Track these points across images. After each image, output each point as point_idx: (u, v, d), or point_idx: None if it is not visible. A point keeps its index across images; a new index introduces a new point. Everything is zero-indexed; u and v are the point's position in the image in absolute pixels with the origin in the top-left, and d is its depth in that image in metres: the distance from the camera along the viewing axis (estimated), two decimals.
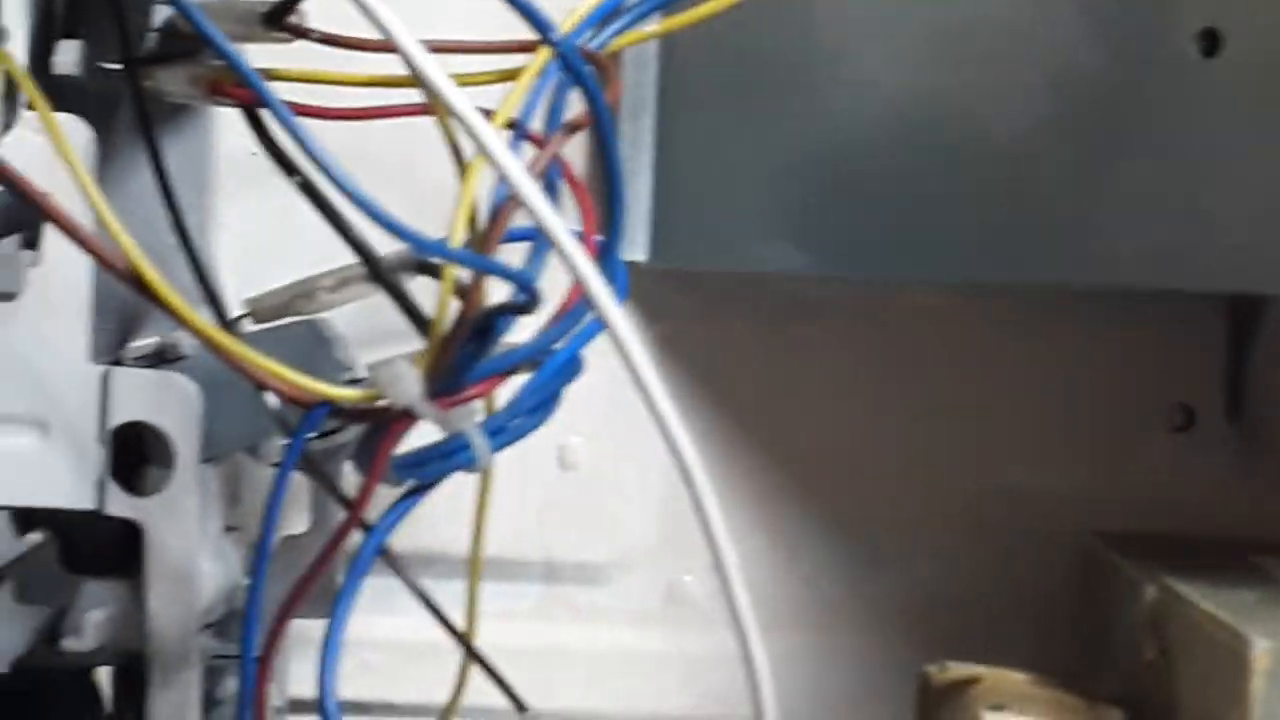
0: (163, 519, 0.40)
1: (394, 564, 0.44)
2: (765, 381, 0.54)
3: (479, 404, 0.38)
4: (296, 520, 0.50)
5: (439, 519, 0.47)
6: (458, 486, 0.45)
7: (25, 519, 0.42)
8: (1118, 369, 0.54)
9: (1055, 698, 0.43)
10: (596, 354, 0.47)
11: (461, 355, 0.34)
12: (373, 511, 0.38)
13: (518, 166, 0.32)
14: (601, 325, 0.36)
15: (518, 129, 0.37)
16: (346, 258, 0.39)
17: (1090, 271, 0.45)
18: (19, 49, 0.38)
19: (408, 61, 0.32)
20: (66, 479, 0.40)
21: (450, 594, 0.48)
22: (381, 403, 0.34)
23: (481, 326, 0.35)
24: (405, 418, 0.34)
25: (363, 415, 0.35)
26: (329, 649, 0.37)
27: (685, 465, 0.34)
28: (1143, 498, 0.53)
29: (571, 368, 0.39)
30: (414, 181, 0.44)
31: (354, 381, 0.42)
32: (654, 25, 0.40)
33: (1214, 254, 0.43)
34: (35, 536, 0.43)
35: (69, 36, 0.41)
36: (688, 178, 0.50)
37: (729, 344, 0.53)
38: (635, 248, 0.51)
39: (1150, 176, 0.44)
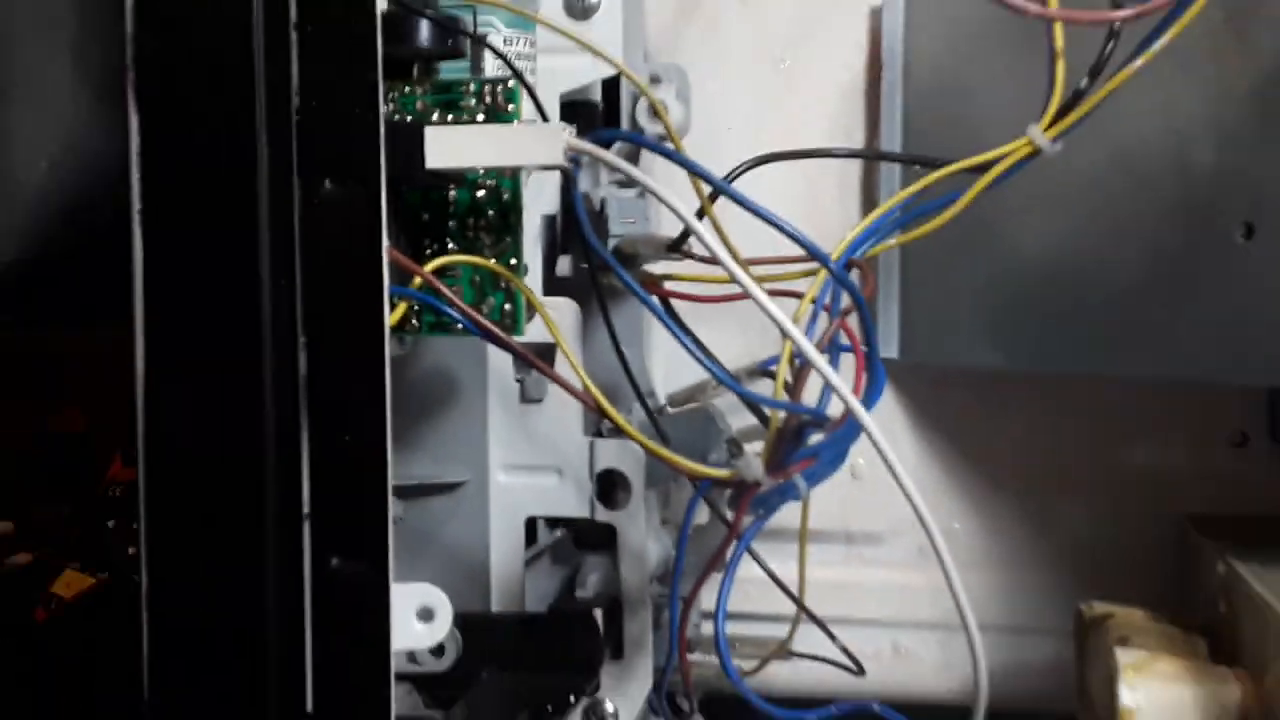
0: (626, 522, 0.54)
1: (756, 557, 0.57)
2: (977, 426, 0.62)
3: None
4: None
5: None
6: None
7: (554, 522, 0.57)
8: (1202, 410, 0.60)
9: (1162, 629, 0.48)
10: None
11: (785, 449, 0.45)
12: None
13: (810, 347, 0.43)
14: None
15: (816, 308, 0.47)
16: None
17: (1175, 367, 0.50)
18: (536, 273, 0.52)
19: (735, 279, 0.43)
20: (573, 500, 0.55)
21: (785, 551, 0.58)
22: (739, 477, 0.45)
23: (796, 434, 0.45)
24: (755, 485, 0.45)
25: (729, 483, 0.46)
26: (723, 595, 0.48)
27: (903, 483, 0.44)
28: (1215, 489, 0.59)
29: (852, 437, 0.47)
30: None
31: (734, 451, 0.54)
32: (896, 237, 0.49)
33: (1260, 359, 0.47)
34: (559, 531, 0.57)
35: (564, 252, 0.56)
36: (922, 301, 0.57)
37: (942, 399, 0.62)
38: (891, 348, 0.59)
39: (1215, 307, 0.48)
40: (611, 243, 0.54)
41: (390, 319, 0.44)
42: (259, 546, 0.40)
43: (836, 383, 0.45)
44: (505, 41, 0.51)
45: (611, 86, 0.57)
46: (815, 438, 0.47)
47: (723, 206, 0.48)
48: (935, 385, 0.62)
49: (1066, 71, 0.47)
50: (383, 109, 0.42)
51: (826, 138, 0.61)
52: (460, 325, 0.47)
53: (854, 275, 0.50)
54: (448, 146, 0.44)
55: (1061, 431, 0.61)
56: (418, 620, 0.43)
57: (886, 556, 0.63)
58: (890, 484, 0.57)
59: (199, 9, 0.40)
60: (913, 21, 0.58)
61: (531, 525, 0.57)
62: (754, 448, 0.49)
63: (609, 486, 0.55)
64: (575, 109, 0.55)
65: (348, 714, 0.41)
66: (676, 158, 0.50)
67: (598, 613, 0.54)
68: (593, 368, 0.55)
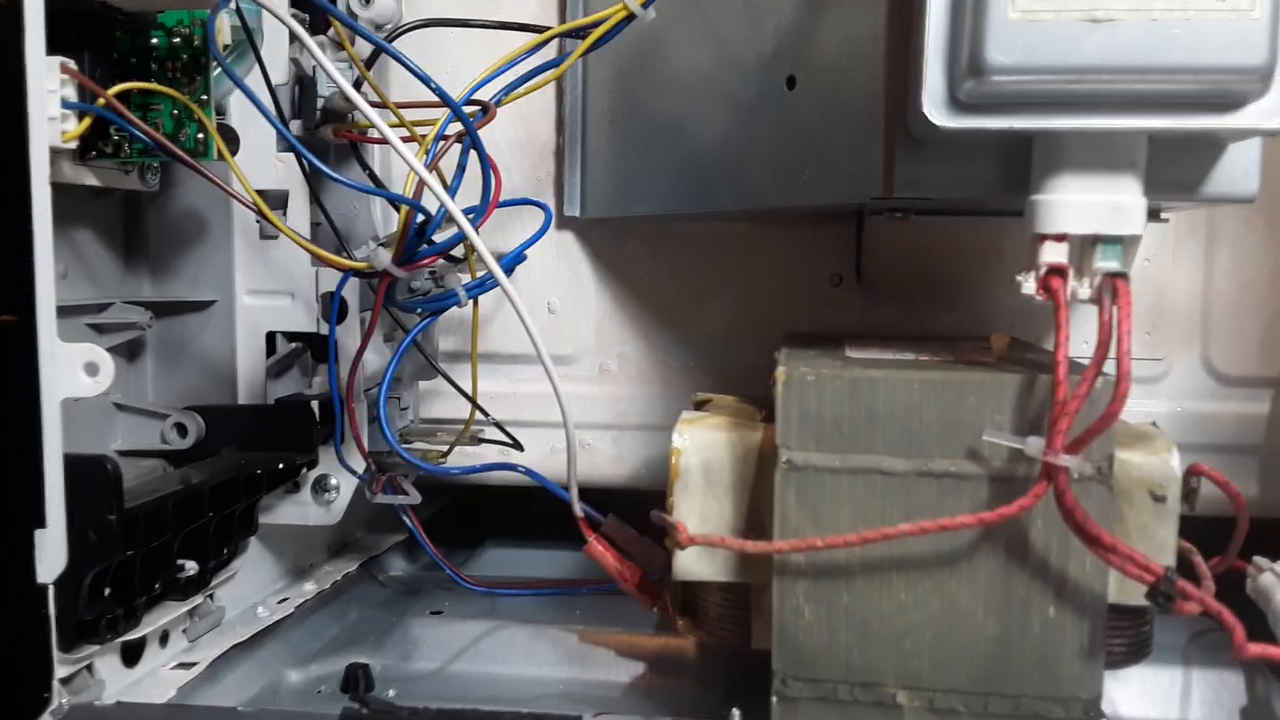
0: (344, 336, 0.50)
1: (434, 365, 0.53)
2: (640, 263, 0.58)
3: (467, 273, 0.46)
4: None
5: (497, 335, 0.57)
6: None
7: (292, 335, 0.53)
8: (810, 254, 0.56)
9: (740, 406, 0.43)
10: (559, 262, 0.58)
11: (410, 248, 0.43)
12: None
13: (423, 169, 0.40)
14: (520, 254, 0.47)
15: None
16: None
17: (755, 201, 0.47)
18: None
19: (369, 119, 0.40)
20: (303, 319, 0.52)
21: (498, 371, 0.58)
22: (377, 267, 0.42)
23: (417, 234, 0.43)
24: (388, 275, 0.43)
25: (368, 274, 0.43)
26: (387, 378, 0.46)
27: (533, 337, 0.41)
28: (820, 316, 0.56)
29: (509, 269, 0.47)
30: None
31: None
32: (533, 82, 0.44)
33: (829, 183, 0.43)
34: (297, 345, 0.53)
35: (296, 117, 0.51)
36: (599, 171, 0.55)
37: (616, 250, 0.58)
38: (574, 207, 0.56)
39: (781, 145, 0.45)
40: (320, 101, 0.50)
41: (76, 132, 0.40)
42: None
43: (442, 196, 0.41)
44: None
45: None
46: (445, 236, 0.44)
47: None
48: (612, 236, 0.58)
49: None
50: None
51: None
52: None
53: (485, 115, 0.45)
54: None
55: (708, 273, 0.58)
56: (85, 374, 0.38)
57: (576, 374, 0.59)
58: (578, 318, 0.60)
59: None
60: None
61: (273, 339, 0.53)
62: None
63: (329, 308, 0.51)
64: (301, 3, 0.49)
65: (10, 447, 0.37)
66: (344, 19, 0.46)
67: (316, 406, 0.51)
68: (335, 210, 0.52)
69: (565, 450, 0.56)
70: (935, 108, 0.33)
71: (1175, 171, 0.36)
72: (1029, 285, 0.34)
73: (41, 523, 0.37)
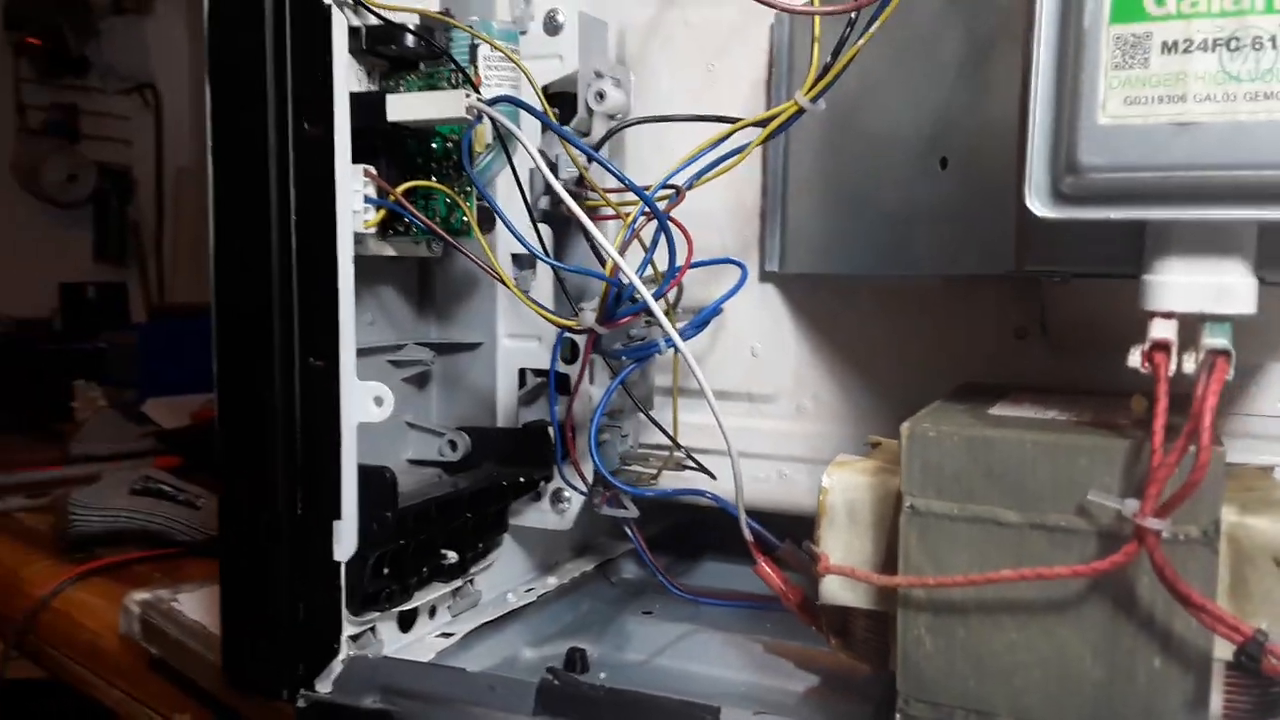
0: (576, 373, 0.58)
1: (631, 395, 0.59)
2: (834, 313, 0.60)
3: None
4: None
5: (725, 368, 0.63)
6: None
7: (537, 372, 0.62)
8: (995, 308, 0.57)
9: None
10: (761, 311, 0.63)
11: (610, 309, 0.50)
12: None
13: (613, 250, 0.47)
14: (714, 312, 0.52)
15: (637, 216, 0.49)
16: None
17: (921, 267, 0.53)
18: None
19: (572, 211, 0.47)
20: (547, 358, 0.59)
21: (700, 406, 0.57)
22: (582, 326, 0.50)
23: (616, 297, 0.50)
24: (593, 332, 0.50)
25: (577, 331, 0.51)
26: (597, 415, 0.54)
27: (699, 379, 0.51)
28: (1003, 368, 0.56)
29: (703, 323, 0.53)
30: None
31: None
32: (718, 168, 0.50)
33: (974, 255, 0.49)
34: (541, 379, 0.61)
35: (545, 194, 0.59)
36: (796, 232, 0.59)
37: (812, 300, 0.61)
38: (774, 263, 0.60)
39: (937, 218, 0.52)
40: (560, 183, 0.57)
41: (374, 221, 0.52)
42: (270, 349, 0.49)
43: (631, 275, 0.49)
44: (491, 48, 0.55)
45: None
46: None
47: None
48: (810, 289, 0.62)
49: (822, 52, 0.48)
50: (365, 84, 0.52)
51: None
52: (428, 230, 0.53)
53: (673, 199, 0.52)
54: (398, 106, 0.51)
55: (896, 324, 0.61)
56: (374, 405, 0.50)
57: (776, 411, 0.63)
58: (777, 362, 0.64)
59: (237, 31, 0.49)
60: (794, 31, 0.60)
61: (524, 374, 0.63)
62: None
63: (568, 350, 0.61)
64: (556, 97, 0.59)
65: (319, 458, 0.49)
66: (555, 128, 0.54)
67: (553, 431, 0.60)
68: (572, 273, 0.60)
69: (764, 480, 0.62)
70: (1038, 199, 0.37)
71: None
72: (1134, 358, 0.37)
73: (339, 515, 0.49)
